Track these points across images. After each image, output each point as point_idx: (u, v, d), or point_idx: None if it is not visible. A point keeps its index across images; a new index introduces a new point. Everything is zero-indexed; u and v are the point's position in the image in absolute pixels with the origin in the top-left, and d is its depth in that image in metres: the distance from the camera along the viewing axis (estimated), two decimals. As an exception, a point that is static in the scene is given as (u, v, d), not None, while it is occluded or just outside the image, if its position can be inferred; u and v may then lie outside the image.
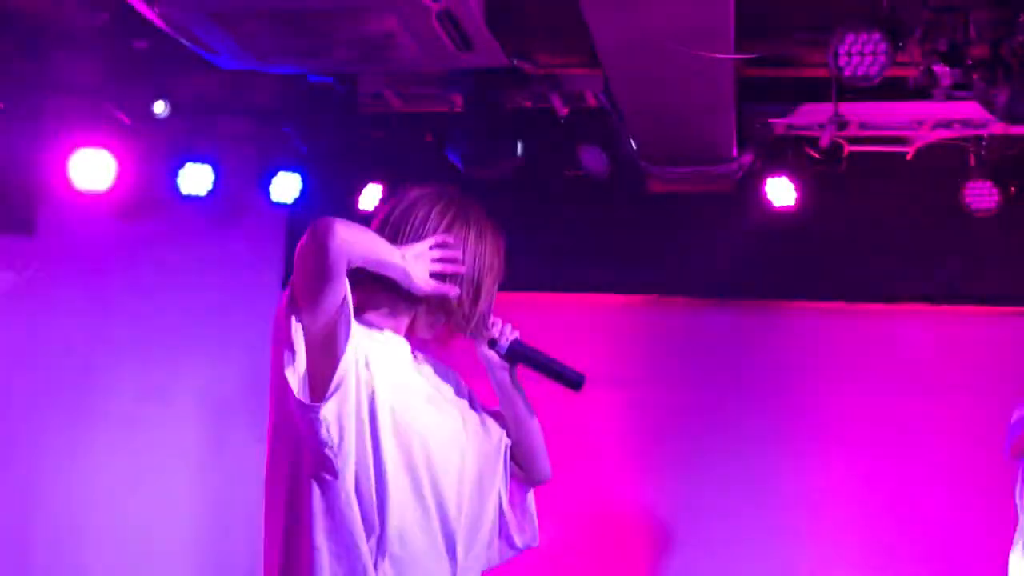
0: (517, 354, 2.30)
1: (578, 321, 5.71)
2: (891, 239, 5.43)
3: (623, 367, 5.67)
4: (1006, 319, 5.45)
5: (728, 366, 5.66)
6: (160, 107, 4.56)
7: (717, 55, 3.63)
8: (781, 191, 5.16)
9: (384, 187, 5.48)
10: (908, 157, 5.08)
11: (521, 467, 2.37)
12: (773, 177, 5.15)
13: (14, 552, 5.49)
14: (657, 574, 5.63)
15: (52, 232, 5.52)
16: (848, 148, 5.08)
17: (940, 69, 3.76)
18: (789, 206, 5.16)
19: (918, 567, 5.33)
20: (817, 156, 5.04)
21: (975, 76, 3.69)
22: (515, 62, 4.22)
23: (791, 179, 5.13)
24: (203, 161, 5.26)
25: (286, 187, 5.36)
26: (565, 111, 4.92)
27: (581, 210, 5.59)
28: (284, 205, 5.42)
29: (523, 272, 5.74)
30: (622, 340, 5.75)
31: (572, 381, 2.31)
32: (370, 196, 5.46)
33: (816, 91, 4.65)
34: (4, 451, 5.49)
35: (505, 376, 2.32)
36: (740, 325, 5.71)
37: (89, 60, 4.46)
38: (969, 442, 5.27)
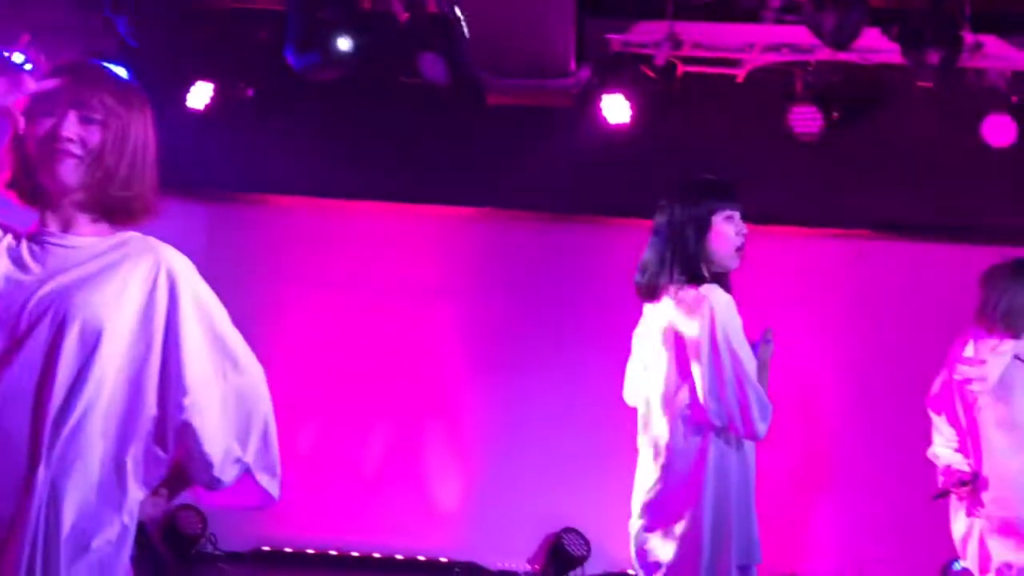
0: None
1: (410, 231, 5.66)
2: (717, 159, 5.53)
3: (454, 277, 5.68)
4: (824, 240, 5.67)
5: (556, 279, 5.72)
6: None
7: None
8: (616, 108, 5.21)
9: (216, 85, 5.31)
10: (738, 80, 5.20)
11: None
12: (609, 94, 5.20)
13: None
14: (483, 471, 5.72)
15: None
16: (682, 68, 5.16)
17: (771, -9, 3.84)
18: (624, 123, 5.22)
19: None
20: (652, 75, 5.10)
21: (804, 0, 3.77)
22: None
23: (626, 96, 5.19)
24: (18, 51, 4.96)
25: (112, 80, 5.11)
26: (405, 16, 4.84)
27: (417, 118, 5.51)
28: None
29: (354, 180, 5.75)
30: (453, 251, 5.73)
31: None
32: (199, 94, 5.29)
33: (654, 8, 4.70)
34: None
35: None
36: (571, 239, 5.76)
37: None
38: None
